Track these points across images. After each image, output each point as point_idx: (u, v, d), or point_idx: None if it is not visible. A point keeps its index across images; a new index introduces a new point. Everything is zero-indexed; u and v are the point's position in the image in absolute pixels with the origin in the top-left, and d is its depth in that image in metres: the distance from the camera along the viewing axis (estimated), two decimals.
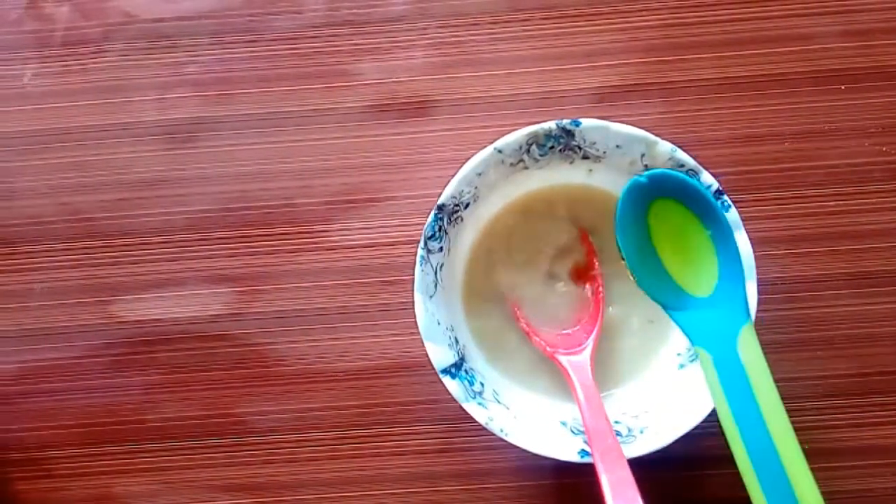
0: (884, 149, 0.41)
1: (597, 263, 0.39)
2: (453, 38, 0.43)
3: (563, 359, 0.37)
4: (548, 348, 0.37)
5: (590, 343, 0.37)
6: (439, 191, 0.35)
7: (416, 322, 0.40)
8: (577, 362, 0.37)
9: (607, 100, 0.42)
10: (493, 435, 0.35)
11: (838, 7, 0.42)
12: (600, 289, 0.38)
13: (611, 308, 0.39)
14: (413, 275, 0.35)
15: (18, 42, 0.44)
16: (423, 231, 0.35)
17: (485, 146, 0.35)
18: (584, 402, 0.35)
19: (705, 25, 0.42)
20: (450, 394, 0.35)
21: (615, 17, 0.42)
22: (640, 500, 0.32)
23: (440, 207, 0.35)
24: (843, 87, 0.42)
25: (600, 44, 0.42)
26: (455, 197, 0.36)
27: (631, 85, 0.42)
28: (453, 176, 0.35)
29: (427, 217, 0.35)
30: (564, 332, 0.39)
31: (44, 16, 0.44)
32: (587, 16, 0.42)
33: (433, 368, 0.35)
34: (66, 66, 0.43)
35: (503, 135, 0.35)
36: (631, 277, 0.30)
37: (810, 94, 0.42)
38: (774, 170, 0.42)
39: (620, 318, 0.39)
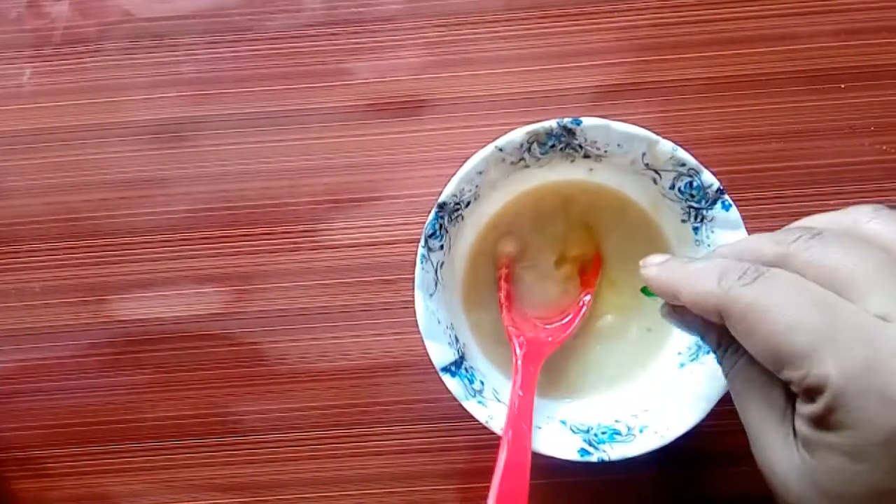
0: (884, 147, 0.42)
1: (597, 279, 0.39)
2: (447, 38, 0.43)
3: (517, 341, 0.37)
4: (511, 328, 0.38)
5: (552, 348, 0.38)
6: (432, 190, 0.35)
7: (398, 322, 0.40)
8: (532, 353, 0.37)
9: (600, 99, 0.42)
10: (477, 435, 0.35)
11: (831, 7, 0.42)
12: (588, 299, 0.39)
13: (609, 316, 0.39)
14: (405, 274, 0.35)
15: (18, 41, 0.43)
16: (423, 229, 0.35)
17: (480, 146, 0.35)
18: (519, 383, 0.36)
19: (698, 25, 0.43)
20: (439, 393, 0.35)
21: (607, 16, 0.43)
22: (526, 491, 0.32)
23: (441, 206, 0.35)
24: (842, 86, 0.42)
25: (593, 43, 0.43)
26: (456, 195, 0.36)
27: (624, 84, 0.43)
28: (451, 175, 0.35)
29: (420, 216, 0.36)
30: (546, 324, 0.39)
31: (43, 14, 0.43)
32: (579, 15, 0.43)
33: (415, 369, 0.34)
34: (65, 64, 0.43)
35: (497, 134, 0.35)
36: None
37: (802, 93, 0.42)
38: (766, 169, 0.42)
39: (620, 326, 0.39)
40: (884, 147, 0.42)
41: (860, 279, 0.24)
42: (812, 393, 0.24)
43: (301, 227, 0.43)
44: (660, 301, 0.31)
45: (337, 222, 0.42)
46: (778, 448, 0.26)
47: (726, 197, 0.35)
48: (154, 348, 0.42)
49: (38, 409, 0.42)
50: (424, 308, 0.35)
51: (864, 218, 0.26)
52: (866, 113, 0.42)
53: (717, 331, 0.28)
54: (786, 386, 0.26)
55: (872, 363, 0.23)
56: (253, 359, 0.42)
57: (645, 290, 0.32)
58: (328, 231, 0.42)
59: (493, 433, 0.34)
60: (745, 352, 0.26)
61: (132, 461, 0.42)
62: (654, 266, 0.30)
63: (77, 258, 0.43)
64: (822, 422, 0.24)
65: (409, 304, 0.35)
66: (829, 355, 0.23)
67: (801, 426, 0.25)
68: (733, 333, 0.26)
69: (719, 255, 0.28)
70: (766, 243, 0.27)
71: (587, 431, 0.36)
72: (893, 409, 0.22)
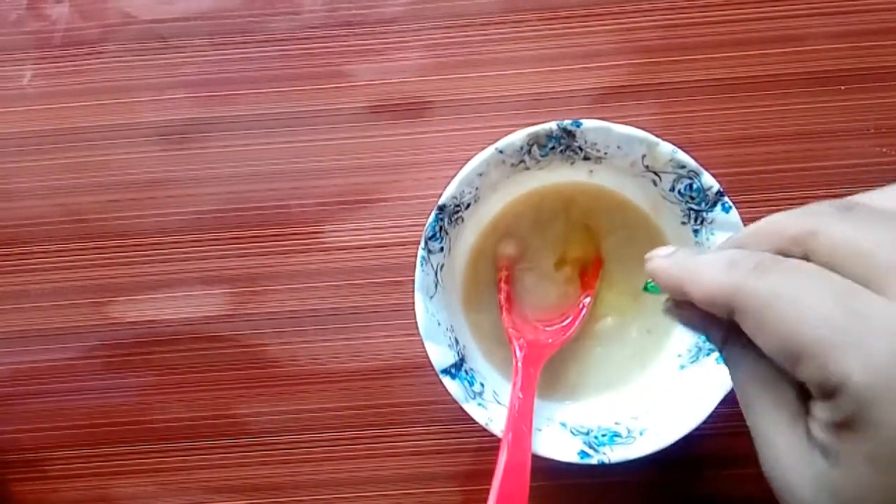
0: (883, 150, 0.42)
1: (597, 281, 0.39)
2: (449, 40, 0.43)
3: (518, 343, 0.37)
4: (511, 330, 0.38)
5: (552, 350, 0.38)
6: (436, 192, 0.35)
7: (410, 322, 0.40)
8: (532, 355, 0.37)
9: (602, 101, 0.42)
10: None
11: (834, 9, 0.42)
12: (588, 301, 0.39)
13: (610, 318, 0.39)
14: (414, 276, 0.35)
15: (18, 43, 0.43)
16: (423, 231, 0.35)
17: (481, 147, 0.35)
18: (519, 385, 0.36)
19: (699, 27, 0.42)
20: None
21: (608, 18, 0.43)
22: (526, 493, 0.32)
23: (441, 208, 0.35)
24: (842, 88, 0.42)
25: (594, 45, 0.43)
26: (456, 197, 0.36)
27: (625, 86, 0.42)
28: (452, 176, 0.35)
29: (425, 217, 0.35)
30: (546, 326, 0.39)
31: (44, 16, 0.43)
32: (580, 17, 0.43)
33: (429, 370, 0.34)
34: (66, 66, 0.43)
35: (499, 136, 0.35)
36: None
37: (805, 95, 0.42)
38: (769, 171, 0.42)
39: (620, 328, 0.39)
40: (883, 150, 0.42)
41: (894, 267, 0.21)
42: (831, 393, 0.21)
43: (311, 229, 0.43)
44: (662, 297, 0.29)
45: (346, 224, 0.42)
46: (788, 452, 0.23)
47: (726, 199, 0.35)
48: (164, 350, 0.42)
49: (47, 411, 0.42)
50: (424, 310, 0.35)
51: None
52: (866, 115, 0.42)
53: (722, 327, 0.26)
54: (799, 385, 0.23)
55: None
56: (263, 360, 0.42)
57: (647, 287, 0.31)
58: (337, 232, 0.42)
59: None
60: (754, 349, 0.24)
61: (143, 463, 0.42)
62: (659, 258, 0.28)
63: (86, 259, 0.43)
64: (842, 425, 0.21)
65: None
66: (851, 351, 0.20)
67: (818, 430, 0.22)
68: (744, 329, 0.23)
69: (733, 243, 0.26)
70: (789, 221, 0.24)
71: (587, 434, 0.36)
72: None
